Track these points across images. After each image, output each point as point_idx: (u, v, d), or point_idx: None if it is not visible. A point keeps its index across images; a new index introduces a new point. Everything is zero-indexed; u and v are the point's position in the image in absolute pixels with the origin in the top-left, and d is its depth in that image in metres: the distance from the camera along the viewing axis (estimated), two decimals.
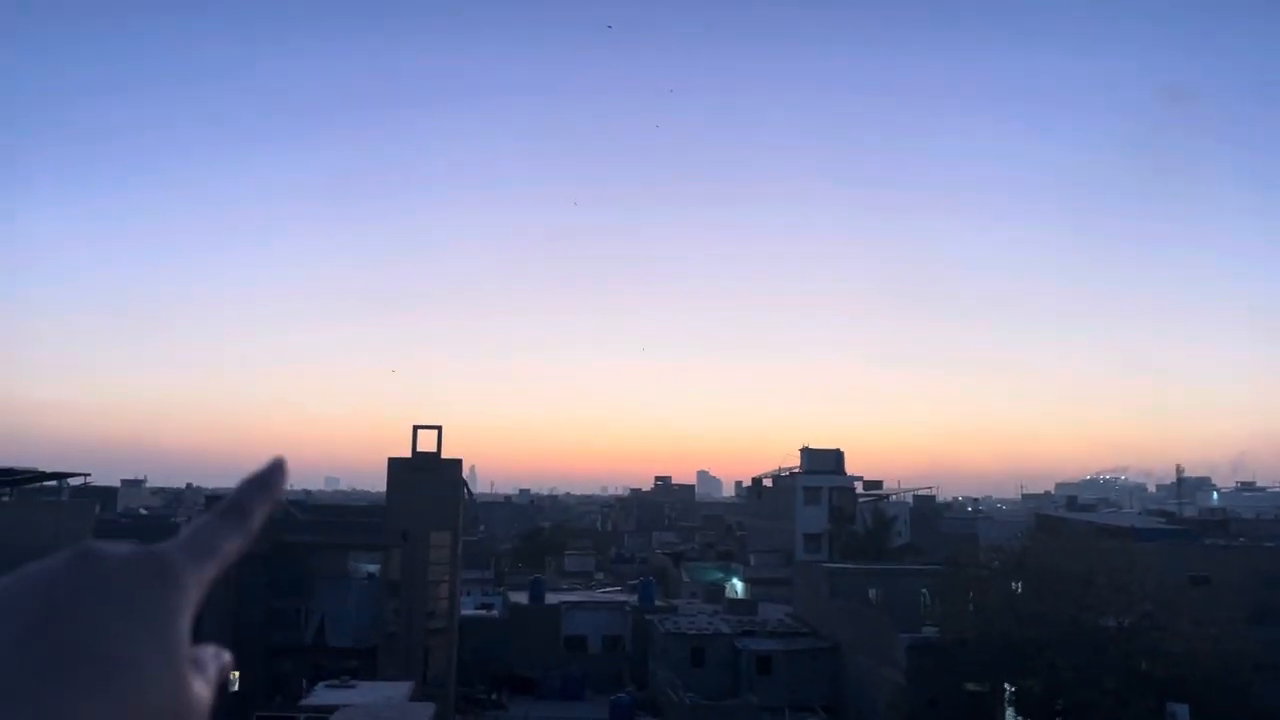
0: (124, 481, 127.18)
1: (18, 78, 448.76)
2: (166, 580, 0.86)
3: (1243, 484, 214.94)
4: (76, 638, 0.77)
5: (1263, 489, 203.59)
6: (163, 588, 0.85)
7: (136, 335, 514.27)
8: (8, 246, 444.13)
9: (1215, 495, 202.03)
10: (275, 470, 1.01)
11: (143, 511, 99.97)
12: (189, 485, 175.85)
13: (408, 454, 47.82)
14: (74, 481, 59.47)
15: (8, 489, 50.94)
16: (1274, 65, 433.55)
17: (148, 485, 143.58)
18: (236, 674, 44.66)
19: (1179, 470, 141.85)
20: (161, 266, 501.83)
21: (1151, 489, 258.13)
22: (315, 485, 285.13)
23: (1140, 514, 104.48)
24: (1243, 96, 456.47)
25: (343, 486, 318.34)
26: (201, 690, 0.86)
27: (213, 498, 53.25)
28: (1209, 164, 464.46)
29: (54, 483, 55.05)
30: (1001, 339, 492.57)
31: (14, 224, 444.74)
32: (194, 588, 0.89)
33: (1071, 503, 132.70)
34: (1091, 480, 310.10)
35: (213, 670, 0.91)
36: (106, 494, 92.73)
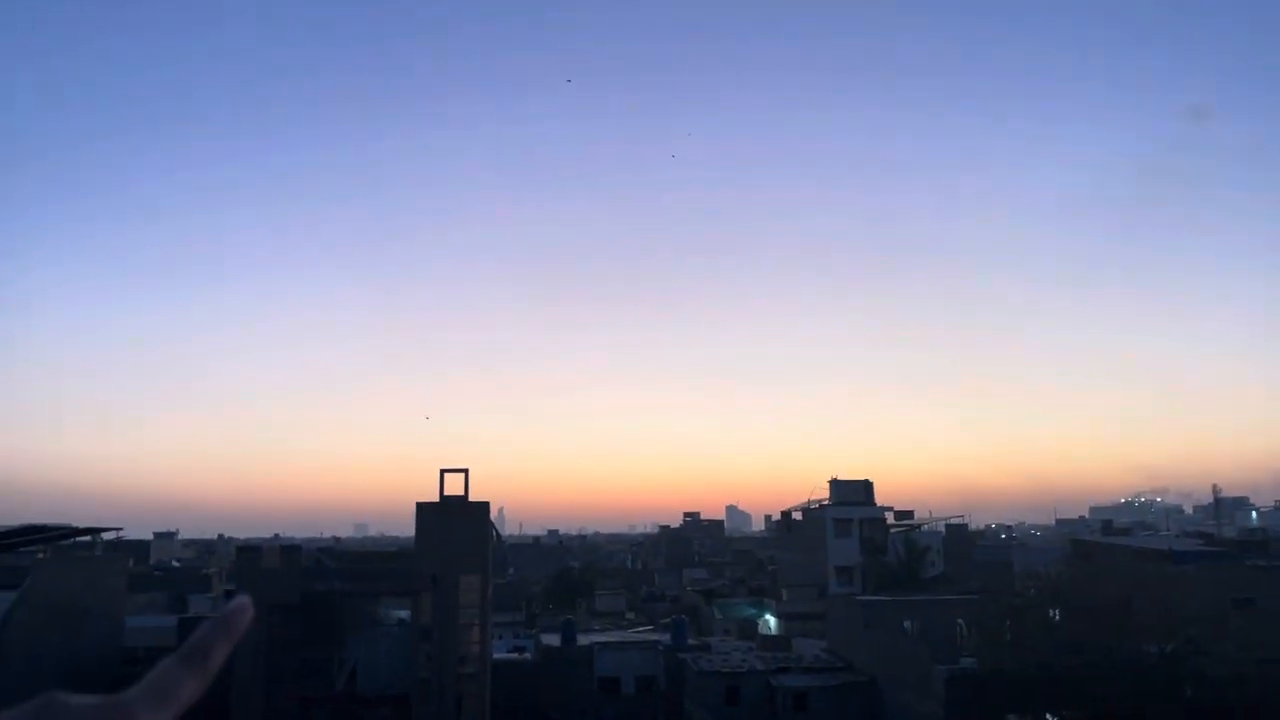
0: (156, 535, 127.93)
1: (36, 127, 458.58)
2: None
3: None
4: None
5: None
6: None
7: (163, 388, 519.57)
8: (34, 301, 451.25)
9: (1254, 515, 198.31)
10: (238, 611, 1.06)
11: (175, 564, 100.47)
12: (220, 536, 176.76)
13: (435, 498, 47.89)
14: (107, 536, 59.86)
15: (43, 546, 51.41)
16: None
17: (180, 538, 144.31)
18: None
19: (1216, 490, 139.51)
20: (187, 319, 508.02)
21: (1189, 510, 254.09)
22: (344, 532, 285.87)
23: (1178, 536, 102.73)
24: (1268, 111, 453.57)
25: (371, 532, 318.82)
26: None
27: (243, 549, 53.50)
28: (1236, 180, 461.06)
29: (87, 538, 55.47)
30: (1030, 361, 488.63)
31: (40, 278, 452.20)
32: None
33: (1107, 527, 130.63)
34: (1127, 503, 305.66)
35: None
36: (139, 547, 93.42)
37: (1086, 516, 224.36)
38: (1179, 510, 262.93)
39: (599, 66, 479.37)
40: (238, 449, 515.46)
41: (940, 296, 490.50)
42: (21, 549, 50.29)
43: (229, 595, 56.64)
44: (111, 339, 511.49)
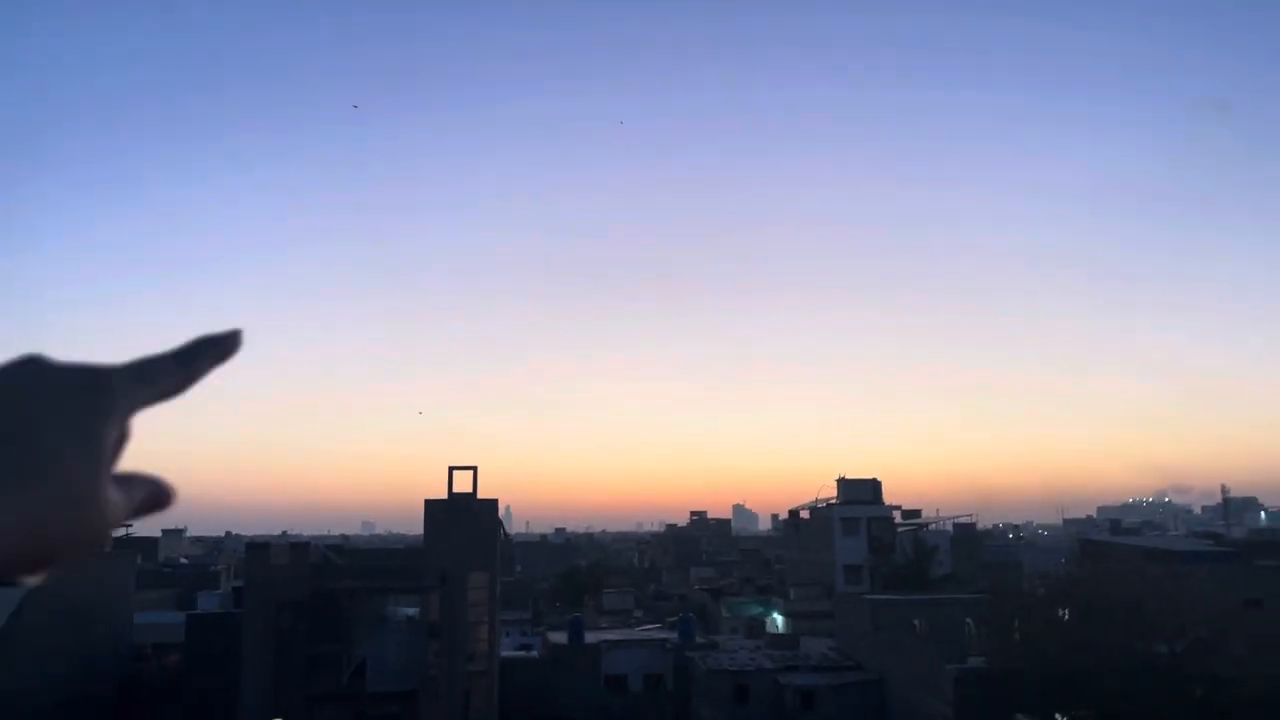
0: (164, 531, 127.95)
1: (43, 122, 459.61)
2: (99, 390, 0.97)
3: None
4: (2, 425, 0.90)
5: None
6: (94, 396, 0.96)
7: None
8: (40, 293, 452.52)
9: (1263, 515, 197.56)
10: (232, 336, 1.11)
11: (183, 561, 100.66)
12: (228, 534, 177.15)
13: (443, 495, 47.92)
14: (115, 533, 60.12)
15: None
16: None
17: (188, 535, 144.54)
18: None
19: (1224, 491, 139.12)
20: (194, 313, 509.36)
21: (1197, 510, 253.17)
22: (352, 530, 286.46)
23: (1187, 536, 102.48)
24: None
25: (379, 531, 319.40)
26: (117, 501, 0.96)
27: (252, 546, 53.59)
28: (1255, 175, 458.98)
29: None
30: (1039, 361, 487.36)
31: (49, 269, 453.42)
32: (125, 403, 0.99)
33: (1115, 526, 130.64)
34: (1133, 503, 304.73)
35: (138, 492, 1.01)
36: (147, 544, 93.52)
37: (1094, 516, 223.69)
38: (1188, 511, 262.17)
39: (606, 65, 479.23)
40: (245, 446, 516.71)
41: (951, 293, 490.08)
42: None
43: (237, 592, 56.83)
44: (118, 333, 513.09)
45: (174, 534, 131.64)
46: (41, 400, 0.93)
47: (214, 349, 1.10)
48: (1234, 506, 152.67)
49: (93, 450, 0.94)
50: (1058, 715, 38.79)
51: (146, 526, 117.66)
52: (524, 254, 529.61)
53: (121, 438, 1.00)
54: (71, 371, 0.98)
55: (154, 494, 1.04)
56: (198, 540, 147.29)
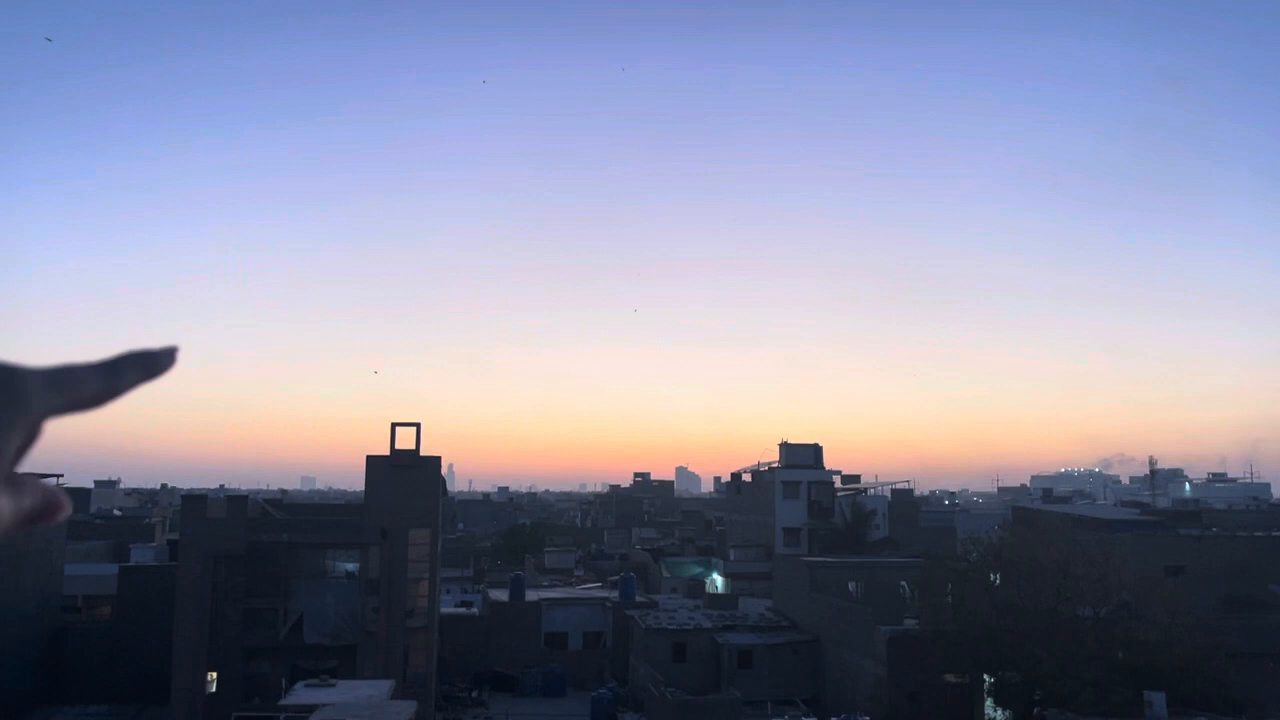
0: (97, 483, 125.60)
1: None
2: (3, 391, 0.91)
3: (1214, 475, 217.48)
4: None
5: (1234, 480, 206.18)
6: None
7: (106, 334, 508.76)
8: None
9: (1187, 487, 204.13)
10: (165, 353, 1.05)
11: (117, 513, 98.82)
12: (163, 486, 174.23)
13: (386, 452, 47.50)
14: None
15: None
16: (1266, 48, 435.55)
17: (122, 486, 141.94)
18: (214, 675, 44.28)
19: (1152, 462, 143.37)
20: (136, 265, 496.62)
21: (1126, 481, 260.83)
22: (291, 485, 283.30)
23: (1115, 506, 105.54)
24: (1235, 81, 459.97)
25: (319, 486, 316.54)
26: (5, 506, 0.92)
27: (188, 498, 52.68)
28: (1198, 151, 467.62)
29: None
30: (980, 333, 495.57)
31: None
32: (35, 408, 0.93)
33: (1047, 495, 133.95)
34: (1066, 473, 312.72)
35: (29, 496, 0.95)
36: (80, 495, 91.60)
37: (1027, 485, 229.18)
38: (1117, 481, 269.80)
39: (564, 30, 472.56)
40: (183, 398, 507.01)
41: (894, 264, 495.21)
42: None
43: (172, 545, 55.94)
44: (58, 283, 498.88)
45: (107, 485, 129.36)
46: None
47: (144, 364, 1.03)
48: (1161, 478, 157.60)
49: None
50: (986, 676, 39.90)
51: (78, 477, 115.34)
52: (472, 220, 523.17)
53: (27, 442, 0.95)
54: None
55: (47, 503, 0.98)
56: (132, 492, 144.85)
